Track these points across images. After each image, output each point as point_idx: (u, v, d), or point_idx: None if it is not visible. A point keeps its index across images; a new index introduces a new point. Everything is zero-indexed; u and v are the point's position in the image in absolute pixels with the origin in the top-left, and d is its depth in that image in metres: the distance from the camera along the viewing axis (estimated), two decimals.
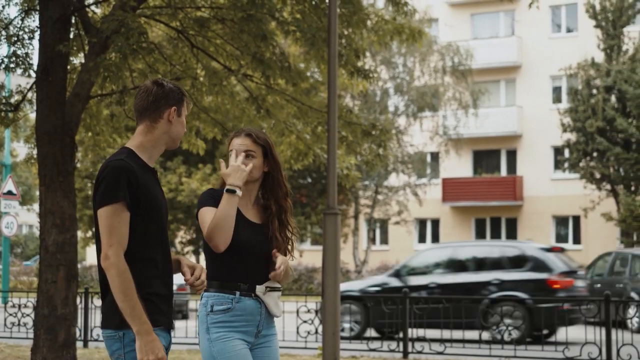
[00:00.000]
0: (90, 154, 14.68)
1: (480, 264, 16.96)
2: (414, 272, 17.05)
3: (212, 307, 4.38)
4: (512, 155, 40.17)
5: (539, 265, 16.25)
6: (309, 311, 14.58)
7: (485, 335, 14.68)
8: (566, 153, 35.43)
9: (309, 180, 37.30)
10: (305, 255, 37.83)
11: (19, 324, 15.29)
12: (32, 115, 12.77)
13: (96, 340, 14.97)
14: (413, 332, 13.97)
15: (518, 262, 16.56)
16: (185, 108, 4.08)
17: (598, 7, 32.95)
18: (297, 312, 14.30)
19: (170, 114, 3.99)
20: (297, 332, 14.25)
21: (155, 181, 4.01)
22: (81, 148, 13.96)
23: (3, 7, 11.27)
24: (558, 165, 37.53)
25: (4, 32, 11.16)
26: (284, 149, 12.73)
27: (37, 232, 36.76)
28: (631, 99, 30.40)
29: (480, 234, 40.21)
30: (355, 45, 12.15)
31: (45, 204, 10.08)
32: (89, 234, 34.51)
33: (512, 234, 39.55)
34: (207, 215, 4.40)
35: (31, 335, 12.79)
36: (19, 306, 15.54)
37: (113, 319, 3.81)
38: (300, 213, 35.61)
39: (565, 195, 37.77)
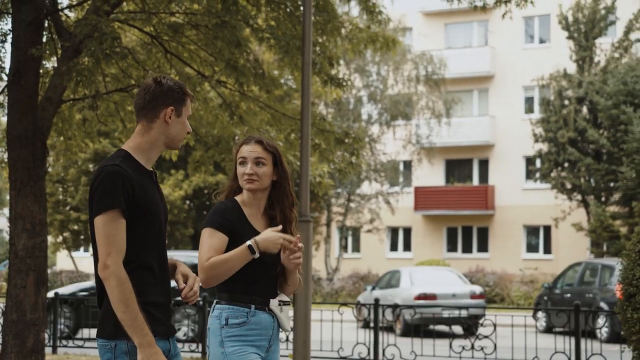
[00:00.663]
0: (62, 158, 14.58)
1: None
2: None
3: (227, 320, 4.27)
4: (484, 165, 40.34)
5: None
6: None
7: None
8: (538, 163, 35.60)
9: None
10: None
11: None
12: (4, 119, 12.69)
13: (65, 346, 14.85)
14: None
15: None
16: (187, 108, 3.90)
17: (571, 19, 33.19)
18: None
19: (167, 114, 3.82)
20: None
21: (153, 184, 3.85)
22: (53, 152, 13.86)
23: None
24: (530, 175, 37.71)
25: None
26: None
27: (6, 237, 36.49)
28: (602, 110, 30.61)
29: (451, 243, 40.34)
30: (330, 53, 12.18)
31: (15, 208, 10.00)
32: (59, 239, 34.30)
33: (483, 243, 39.73)
34: (208, 241, 4.27)
35: None
36: None
37: (107, 328, 3.69)
38: None
39: (536, 205, 37.98)
